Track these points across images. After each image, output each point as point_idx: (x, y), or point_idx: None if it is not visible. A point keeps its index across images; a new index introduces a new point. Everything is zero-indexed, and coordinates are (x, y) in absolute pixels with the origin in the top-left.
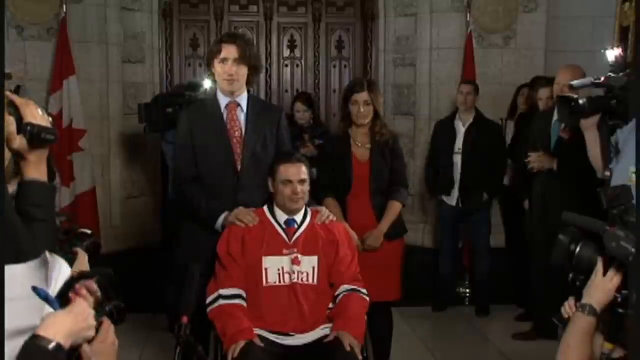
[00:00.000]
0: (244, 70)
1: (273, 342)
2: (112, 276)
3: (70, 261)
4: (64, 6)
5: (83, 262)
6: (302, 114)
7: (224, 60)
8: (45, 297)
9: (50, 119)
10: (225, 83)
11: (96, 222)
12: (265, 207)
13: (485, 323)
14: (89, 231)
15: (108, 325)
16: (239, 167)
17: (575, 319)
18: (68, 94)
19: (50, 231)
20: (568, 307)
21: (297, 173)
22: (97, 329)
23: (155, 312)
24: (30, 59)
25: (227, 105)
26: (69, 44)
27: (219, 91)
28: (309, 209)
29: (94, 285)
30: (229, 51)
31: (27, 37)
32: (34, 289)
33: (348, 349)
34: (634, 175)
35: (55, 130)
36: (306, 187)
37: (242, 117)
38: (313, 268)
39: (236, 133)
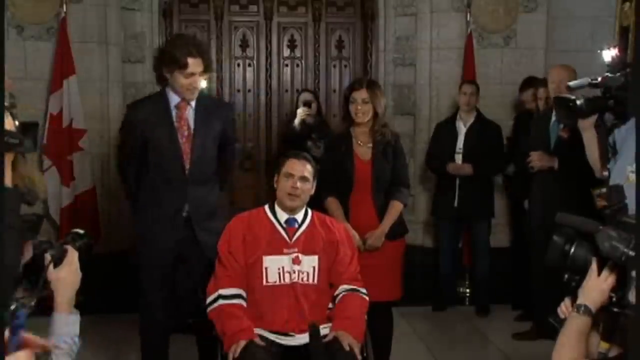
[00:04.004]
0: (203, 77)
1: (273, 342)
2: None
3: (61, 259)
4: (64, 6)
5: (73, 260)
6: (309, 108)
7: (191, 74)
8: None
9: (16, 122)
10: (188, 93)
11: (96, 222)
12: (266, 206)
13: (485, 323)
14: (81, 231)
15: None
16: (187, 165)
17: (570, 319)
18: (68, 94)
19: (16, 238)
20: (564, 308)
21: (301, 170)
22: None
23: None
24: (30, 59)
25: (177, 105)
26: (69, 44)
27: (170, 91)
28: (309, 209)
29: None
30: (196, 65)
31: (27, 37)
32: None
33: (347, 349)
34: (631, 175)
35: (23, 135)
36: (307, 186)
37: (191, 113)
38: (313, 268)
39: (185, 132)
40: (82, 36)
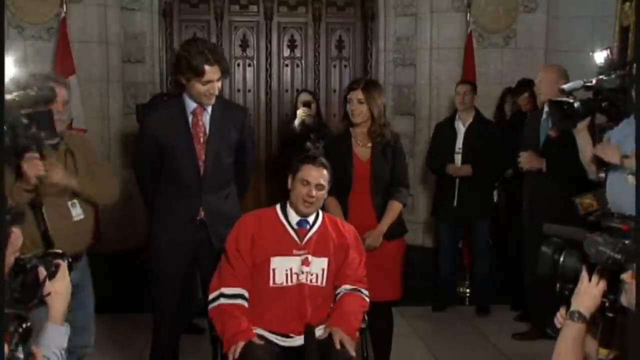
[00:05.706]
0: (220, 82)
1: (272, 342)
2: None
3: (54, 273)
4: (64, 6)
5: (65, 274)
6: (309, 108)
7: (208, 82)
8: None
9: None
10: (205, 99)
11: (96, 222)
12: (277, 207)
13: (485, 323)
14: (60, 251)
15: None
16: (202, 172)
17: (566, 327)
18: (68, 94)
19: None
20: (560, 317)
21: (318, 177)
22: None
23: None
24: (30, 59)
25: (193, 111)
26: (69, 44)
27: (186, 97)
28: (320, 211)
29: None
30: (214, 72)
31: (27, 37)
32: None
33: (338, 346)
34: (630, 177)
35: None
36: (322, 194)
37: (207, 119)
38: (322, 270)
39: (201, 139)
40: (82, 36)
